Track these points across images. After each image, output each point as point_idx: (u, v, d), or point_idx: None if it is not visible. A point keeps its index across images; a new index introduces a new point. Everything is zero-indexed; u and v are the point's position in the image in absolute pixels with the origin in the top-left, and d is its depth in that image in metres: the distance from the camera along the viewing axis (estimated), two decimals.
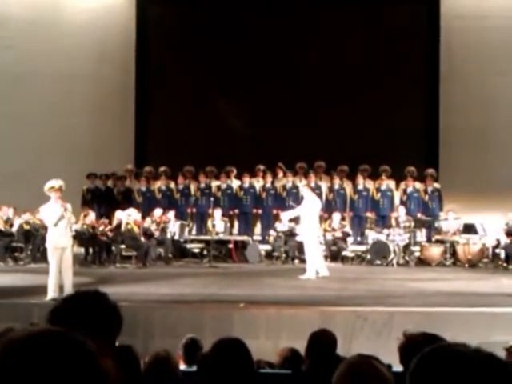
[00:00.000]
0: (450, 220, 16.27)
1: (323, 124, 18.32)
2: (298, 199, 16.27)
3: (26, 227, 15.60)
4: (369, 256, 15.71)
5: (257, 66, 18.66)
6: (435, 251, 15.93)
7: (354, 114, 18.27)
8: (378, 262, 15.47)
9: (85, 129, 18.47)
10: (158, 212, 16.04)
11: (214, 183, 17.64)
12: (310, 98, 18.44)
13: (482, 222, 15.81)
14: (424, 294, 10.75)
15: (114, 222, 15.36)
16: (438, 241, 16.31)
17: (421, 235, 16.28)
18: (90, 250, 15.26)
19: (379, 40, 18.59)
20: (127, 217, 15.22)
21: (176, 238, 16.19)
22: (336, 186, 17.19)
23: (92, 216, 15.39)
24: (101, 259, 15.12)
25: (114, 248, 15.29)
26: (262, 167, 17.64)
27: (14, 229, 15.59)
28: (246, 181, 17.45)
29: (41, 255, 15.29)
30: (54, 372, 1.28)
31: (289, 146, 17.75)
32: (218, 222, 16.33)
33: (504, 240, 15.38)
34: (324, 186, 17.08)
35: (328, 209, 16.53)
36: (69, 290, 9.34)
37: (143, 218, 15.72)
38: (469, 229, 15.72)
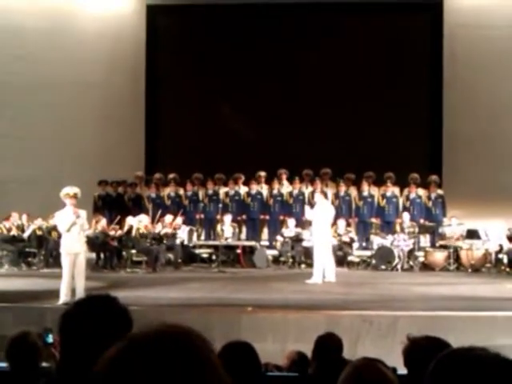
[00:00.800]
0: (454, 226, 16.36)
1: (329, 131, 18.41)
2: (304, 205, 16.46)
3: (39, 233, 15.82)
4: (374, 261, 15.83)
5: (264, 75, 18.77)
6: (439, 256, 16.04)
7: (358, 120, 18.33)
8: (383, 266, 15.58)
9: (96, 136, 18.62)
10: (168, 218, 16.23)
11: (222, 190, 17.81)
12: (315, 105, 18.52)
13: (485, 228, 15.90)
14: (428, 298, 10.83)
15: (125, 228, 15.57)
16: (441, 246, 16.39)
17: (425, 241, 16.38)
18: (102, 255, 15.40)
19: (383, 48, 18.66)
20: (138, 223, 15.43)
21: (185, 243, 16.37)
22: (341, 193, 17.32)
23: (103, 222, 15.56)
24: (112, 264, 15.25)
25: (124, 253, 15.47)
26: (262, 173, 17.75)
27: (27, 234, 15.80)
28: (254, 187, 17.62)
29: (53, 260, 15.50)
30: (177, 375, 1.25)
31: (295, 152, 17.88)
32: (226, 228, 16.51)
33: (507, 245, 15.41)
34: (330, 192, 17.22)
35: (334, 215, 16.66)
36: (80, 294, 9.40)
37: (152, 223, 15.91)
38: (472, 234, 15.81)
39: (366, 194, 17.35)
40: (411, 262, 15.76)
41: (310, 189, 17.31)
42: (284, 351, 6.40)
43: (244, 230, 17.75)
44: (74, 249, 10.15)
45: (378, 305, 9.88)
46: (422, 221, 16.85)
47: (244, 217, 17.63)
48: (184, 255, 16.27)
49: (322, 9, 18.89)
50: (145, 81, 19.45)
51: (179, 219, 16.42)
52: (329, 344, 5.16)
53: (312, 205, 14.26)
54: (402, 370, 3.85)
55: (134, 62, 19.17)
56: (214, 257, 16.38)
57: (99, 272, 14.33)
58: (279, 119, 18.56)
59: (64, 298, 9.80)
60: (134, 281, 13.12)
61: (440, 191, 17.31)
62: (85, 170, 17.05)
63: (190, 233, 16.58)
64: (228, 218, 16.67)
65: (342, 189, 17.30)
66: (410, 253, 15.84)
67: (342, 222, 16.17)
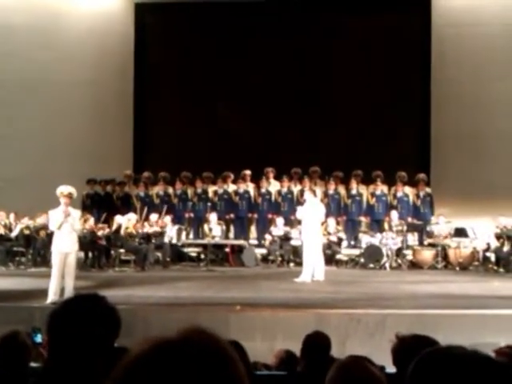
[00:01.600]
0: (442, 224, 16.43)
1: (318, 129, 18.47)
2: (293, 204, 16.50)
3: (26, 232, 15.77)
4: (362, 259, 15.88)
5: (252, 72, 18.79)
6: (427, 255, 16.11)
7: (347, 120, 18.40)
8: (372, 265, 15.63)
9: (84, 135, 18.57)
10: (153, 217, 16.20)
11: (211, 188, 17.81)
12: (304, 104, 18.60)
13: (473, 226, 15.98)
14: (416, 296, 10.84)
15: (114, 227, 15.54)
16: (429, 244, 16.48)
17: (413, 239, 16.43)
18: (90, 254, 15.38)
19: (371, 47, 18.74)
20: (127, 221, 15.42)
21: (174, 242, 16.36)
22: (330, 191, 17.37)
23: (91, 221, 15.54)
24: (100, 263, 15.23)
25: (112, 252, 15.46)
26: (248, 172, 17.74)
27: (15, 233, 15.74)
28: (241, 186, 17.63)
29: (41, 259, 15.50)
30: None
31: (284, 151, 17.94)
32: (214, 226, 16.50)
33: (494, 243, 15.56)
34: (319, 190, 17.24)
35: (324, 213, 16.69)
36: (69, 294, 9.37)
37: (140, 221, 15.88)
38: (460, 233, 15.87)
39: (354, 192, 17.40)
40: (399, 261, 15.82)
41: (299, 187, 17.34)
42: (273, 350, 6.41)
43: (232, 228, 17.75)
44: (63, 248, 10.14)
45: (367, 303, 9.92)
46: (409, 219, 16.91)
47: (232, 215, 17.62)
48: (172, 254, 16.27)
49: (310, 7, 18.88)
50: (133, 79, 19.44)
51: (167, 218, 16.41)
52: (317, 342, 5.16)
53: (301, 203, 14.27)
54: (391, 369, 3.88)
55: (123, 60, 19.15)
56: (202, 256, 16.39)
57: (87, 271, 14.30)
58: (269, 118, 18.59)
59: (52, 296, 9.78)
60: (122, 280, 13.07)
61: (428, 189, 17.38)
62: (73, 169, 16.97)
63: (179, 232, 16.57)
64: (214, 216, 16.64)
65: (331, 187, 17.34)
66: (399, 251, 15.91)
67: (332, 221, 16.20)
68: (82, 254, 14.90)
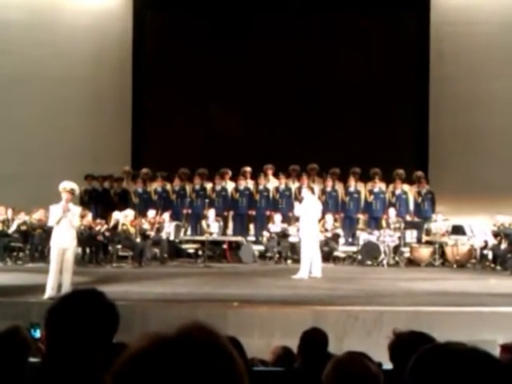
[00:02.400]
0: (439, 221, 16.47)
1: (316, 127, 18.46)
2: (291, 201, 16.52)
3: (24, 227, 15.76)
4: (360, 256, 15.90)
5: (252, 70, 18.78)
6: (424, 252, 16.13)
7: (345, 117, 18.40)
8: (369, 262, 15.65)
9: (82, 131, 18.57)
10: (151, 213, 16.20)
11: (209, 185, 17.83)
12: (302, 102, 18.59)
13: (470, 224, 16.03)
14: (413, 293, 10.86)
15: (111, 223, 15.55)
16: (427, 242, 16.50)
17: (411, 236, 16.45)
18: (87, 250, 15.37)
19: (370, 46, 18.73)
20: (124, 217, 15.42)
21: (171, 238, 16.35)
22: (328, 188, 17.38)
23: (89, 217, 15.53)
24: (97, 259, 15.22)
25: (110, 248, 15.44)
26: (248, 169, 17.76)
27: (12, 229, 15.73)
28: (241, 183, 17.64)
29: (39, 255, 15.51)
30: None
31: (282, 148, 17.92)
32: (212, 223, 16.51)
33: (491, 241, 15.57)
34: (317, 188, 17.25)
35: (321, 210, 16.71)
36: (67, 289, 9.38)
37: (138, 217, 15.89)
38: (457, 230, 15.91)
39: (352, 189, 17.43)
40: (397, 258, 15.85)
41: (297, 184, 17.36)
42: (270, 346, 6.41)
43: (231, 225, 17.76)
44: (61, 243, 10.13)
45: (364, 300, 9.93)
46: (408, 216, 16.94)
47: (231, 212, 17.64)
48: (170, 250, 16.25)
49: (309, 6, 18.86)
50: (131, 75, 19.41)
51: (166, 214, 16.41)
52: (314, 339, 5.18)
53: (299, 200, 14.28)
54: (388, 365, 3.88)
55: (121, 57, 19.12)
56: (200, 252, 16.38)
57: (85, 267, 14.25)
58: (267, 115, 18.57)
59: (50, 292, 9.78)
60: (120, 276, 13.05)
61: (428, 187, 17.40)
62: (71, 165, 16.96)
63: (177, 228, 16.57)
64: (212, 212, 16.65)
65: (329, 184, 17.36)
66: (396, 248, 15.92)
67: (329, 217, 16.22)
68: (79, 250, 14.92)
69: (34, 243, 15.66)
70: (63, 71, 18.37)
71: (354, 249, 16.36)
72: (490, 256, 15.55)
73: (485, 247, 15.77)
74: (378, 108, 18.50)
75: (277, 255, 16.20)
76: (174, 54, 19.24)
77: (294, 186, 17.52)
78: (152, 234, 15.74)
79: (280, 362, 5.56)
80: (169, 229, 16.30)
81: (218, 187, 17.69)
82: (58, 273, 9.99)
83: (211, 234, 16.29)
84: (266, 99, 18.56)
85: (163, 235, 16.05)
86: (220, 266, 15.52)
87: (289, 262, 15.92)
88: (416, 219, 16.97)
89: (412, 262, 15.97)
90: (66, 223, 10.18)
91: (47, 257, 12.14)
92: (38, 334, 5.79)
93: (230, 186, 17.80)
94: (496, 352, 5.56)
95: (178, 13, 19.48)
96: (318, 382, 3.06)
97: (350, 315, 8.83)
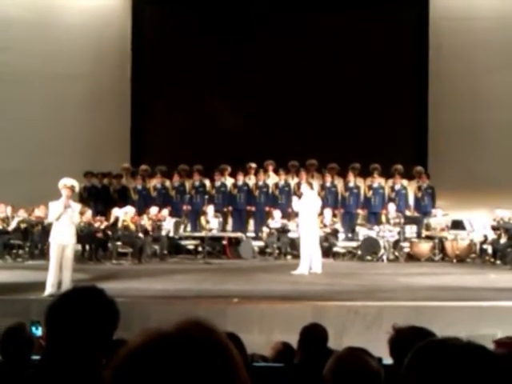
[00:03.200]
0: (439, 216, 16.49)
1: (315, 123, 18.44)
2: (290, 197, 16.52)
3: (23, 225, 15.77)
4: (359, 252, 15.91)
5: (251, 65, 18.76)
6: (424, 247, 16.15)
7: (344, 113, 18.38)
8: (369, 257, 15.67)
9: (81, 128, 18.56)
10: (153, 210, 16.21)
11: (208, 181, 17.83)
12: (301, 97, 18.57)
13: (470, 219, 16.03)
14: (413, 288, 10.87)
15: (111, 220, 15.55)
16: (427, 237, 16.52)
17: (410, 231, 16.47)
18: (87, 247, 15.39)
19: (369, 41, 18.69)
20: (124, 214, 15.42)
21: (171, 234, 16.36)
22: (327, 184, 17.40)
23: (89, 213, 15.52)
24: (97, 256, 15.27)
25: (110, 245, 15.46)
26: (253, 165, 17.81)
27: (12, 227, 15.73)
28: (240, 179, 17.65)
29: (39, 252, 15.52)
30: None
31: (281, 144, 17.92)
32: (211, 219, 16.51)
33: (491, 236, 15.59)
34: (316, 183, 17.26)
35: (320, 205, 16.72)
36: (66, 286, 9.39)
37: (139, 215, 15.90)
38: (457, 225, 15.91)
39: (351, 185, 17.45)
40: (397, 253, 15.86)
41: (296, 180, 17.37)
42: (270, 342, 6.41)
43: (230, 221, 17.78)
44: (61, 240, 10.13)
45: (364, 295, 9.95)
46: (407, 211, 16.95)
47: (230, 208, 17.65)
48: (170, 247, 16.28)
49: (308, 3, 18.84)
50: (131, 72, 19.38)
51: (165, 211, 16.42)
52: (314, 334, 5.17)
53: (299, 196, 14.28)
54: (388, 360, 3.88)
55: (120, 53, 19.11)
56: (199, 248, 16.40)
57: (85, 264, 14.24)
58: (265, 111, 18.57)
59: (50, 289, 9.78)
60: (119, 272, 13.07)
61: (428, 182, 17.41)
62: (70, 162, 16.94)
63: (177, 224, 16.57)
64: (211, 208, 16.65)
65: (328, 180, 17.38)
66: (396, 243, 15.93)
67: (328, 212, 16.23)
68: (79, 247, 14.92)
69: (33, 240, 15.67)
70: (62, 68, 18.35)
71: (354, 244, 16.36)
72: (490, 250, 15.57)
73: (484, 242, 15.80)
74: (377, 103, 18.48)
75: (276, 251, 16.22)
76: (173, 51, 19.22)
77: (293, 181, 17.53)
78: (151, 229, 15.74)
79: (280, 357, 5.54)
80: (168, 225, 16.30)
81: (218, 183, 17.70)
82: (58, 270, 9.98)
83: (211, 230, 16.29)
84: (266, 95, 18.56)
85: (163, 232, 16.06)
86: (220, 262, 15.55)
87: (288, 257, 15.94)
88: (416, 214, 16.98)
89: (412, 257, 15.99)
90: (65, 220, 10.17)
91: (47, 254, 12.12)
92: (39, 331, 5.80)
93: (229, 182, 17.81)
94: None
95: (177, 9, 19.45)
96: (318, 378, 3.06)
97: (350, 310, 8.84)
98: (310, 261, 13.03)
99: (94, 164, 17.55)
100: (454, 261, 15.53)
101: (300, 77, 18.65)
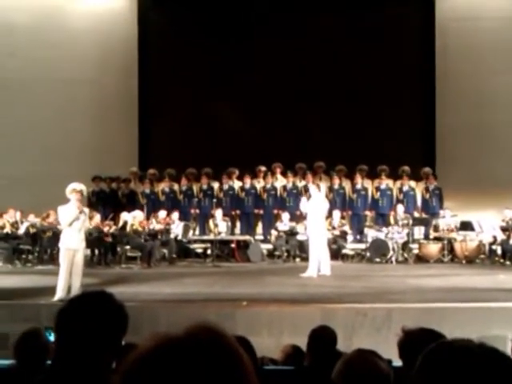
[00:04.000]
0: (447, 217, 16.45)
1: (322, 125, 18.44)
2: (298, 199, 16.51)
3: (33, 230, 15.81)
4: (368, 254, 15.89)
5: (257, 68, 18.77)
6: (433, 248, 16.12)
7: (351, 114, 18.36)
8: (378, 259, 15.65)
9: (89, 133, 18.61)
10: (162, 213, 16.24)
11: (216, 184, 17.86)
12: (308, 99, 18.56)
13: (479, 219, 15.99)
14: (422, 290, 10.86)
15: (120, 224, 15.57)
16: (435, 238, 16.49)
17: (419, 233, 16.44)
18: (96, 251, 15.42)
19: (375, 42, 18.65)
20: (133, 218, 15.45)
21: (179, 238, 16.39)
22: (335, 186, 17.40)
23: (97, 218, 15.55)
24: (106, 260, 15.28)
25: (119, 249, 15.48)
26: (263, 168, 17.84)
27: (21, 231, 15.77)
28: (247, 182, 17.66)
29: (48, 257, 15.56)
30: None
31: (288, 146, 17.95)
32: (219, 223, 16.53)
33: (500, 236, 15.54)
34: (324, 185, 17.24)
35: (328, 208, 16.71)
36: (76, 291, 9.39)
37: (148, 219, 15.94)
38: (466, 226, 15.88)
39: (359, 186, 17.43)
40: (405, 255, 15.83)
41: (304, 182, 17.37)
42: (279, 345, 6.41)
43: (238, 224, 17.79)
44: (72, 245, 10.13)
45: (373, 297, 9.92)
46: (415, 213, 16.93)
47: (238, 211, 17.66)
48: (179, 250, 16.30)
49: (315, 4, 18.85)
50: (137, 76, 19.42)
51: (175, 214, 16.44)
52: (323, 337, 5.16)
53: (307, 197, 14.28)
54: (397, 362, 3.87)
55: (126, 58, 19.14)
56: (208, 251, 16.41)
57: (94, 268, 14.27)
58: (273, 113, 18.57)
59: (60, 293, 9.76)
60: (128, 277, 13.09)
61: (436, 183, 17.38)
62: (78, 167, 16.99)
63: (185, 228, 16.60)
64: (219, 212, 16.68)
65: (336, 182, 17.38)
66: (405, 245, 15.91)
67: (336, 215, 16.22)
68: (88, 252, 14.95)
69: (42, 245, 15.71)
70: (69, 73, 18.40)
71: (363, 246, 16.35)
72: (499, 251, 15.54)
73: (493, 242, 15.76)
74: (384, 105, 18.47)
75: (285, 254, 16.22)
76: (179, 54, 19.25)
77: (300, 184, 17.53)
78: (160, 232, 15.76)
79: (290, 360, 5.54)
80: (177, 229, 16.33)
81: (226, 186, 17.72)
82: (69, 275, 9.98)
83: (219, 233, 16.31)
84: (272, 98, 18.55)
85: (171, 235, 16.08)
86: (228, 265, 15.56)
87: (297, 260, 15.94)
88: (424, 215, 16.95)
89: (421, 259, 15.97)
90: (77, 225, 10.18)
91: (56, 259, 12.15)
92: (52, 337, 5.81)
93: (237, 185, 17.83)
94: (507, 347, 5.54)
95: (182, 12, 19.49)
96: (327, 381, 3.06)
97: (359, 313, 8.83)
98: (319, 263, 13.02)
99: (102, 168, 17.58)
100: (463, 262, 15.50)
101: (307, 79, 18.62)
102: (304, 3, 18.82)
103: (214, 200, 16.85)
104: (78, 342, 2.19)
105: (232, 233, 17.10)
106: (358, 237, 16.99)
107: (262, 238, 17.33)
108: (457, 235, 16.00)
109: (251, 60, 18.86)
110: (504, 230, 15.55)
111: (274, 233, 16.74)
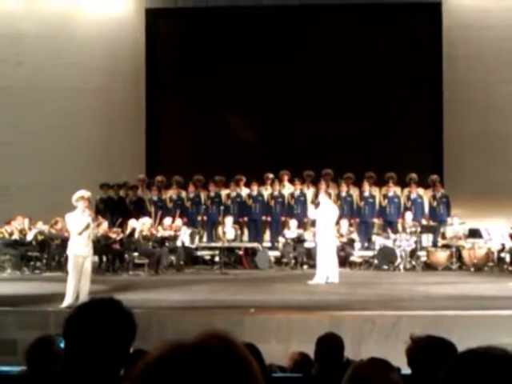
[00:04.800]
0: (455, 225, 16.41)
1: (330, 132, 18.41)
2: (306, 207, 16.53)
3: (41, 237, 15.85)
4: (376, 261, 15.87)
5: (265, 76, 18.78)
6: (441, 256, 16.07)
7: (359, 122, 18.33)
8: (385, 266, 15.63)
9: (97, 140, 18.66)
10: (167, 220, 16.25)
11: (224, 192, 17.87)
12: (316, 107, 18.57)
13: (487, 227, 15.95)
14: (430, 297, 10.84)
15: (127, 231, 15.60)
16: (443, 245, 16.45)
17: (427, 240, 16.41)
18: (104, 259, 15.44)
19: (383, 50, 18.65)
20: (141, 225, 15.47)
21: (187, 245, 16.40)
22: (343, 193, 17.39)
23: (105, 225, 15.57)
24: (114, 267, 15.28)
25: (126, 256, 15.50)
26: (270, 175, 17.85)
27: (29, 238, 15.80)
28: (255, 189, 17.67)
29: (56, 264, 15.59)
30: None
31: (296, 154, 17.95)
32: (228, 230, 16.54)
33: (509, 244, 15.46)
34: (332, 193, 17.23)
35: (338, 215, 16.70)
36: (84, 298, 9.42)
37: (154, 226, 15.95)
38: (474, 233, 15.84)
39: (367, 194, 17.41)
40: (413, 262, 15.80)
41: (312, 189, 17.38)
42: (287, 352, 6.40)
43: (246, 231, 17.79)
44: (82, 252, 10.16)
45: (381, 305, 9.90)
46: (423, 220, 16.90)
47: (246, 219, 17.67)
48: (186, 257, 16.31)
49: (322, 11, 18.90)
50: (145, 84, 19.48)
51: (179, 221, 16.45)
52: (330, 344, 5.14)
53: (316, 205, 14.26)
54: (406, 370, 3.86)
55: (134, 66, 19.21)
56: (216, 259, 16.41)
57: (102, 275, 14.24)
58: (280, 121, 18.57)
59: (69, 300, 9.78)
60: (136, 284, 13.13)
61: (443, 190, 17.36)
62: (86, 174, 17.04)
63: (193, 235, 16.62)
64: (229, 219, 16.74)
65: (344, 189, 17.38)
66: (412, 253, 15.87)
67: (344, 222, 16.20)
68: (96, 259, 14.96)
69: (50, 252, 15.75)
70: (77, 81, 18.48)
71: (370, 253, 16.34)
72: (508, 259, 15.48)
73: (502, 250, 15.71)
74: (392, 113, 18.46)
75: (293, 261, 16.20)
76: (187, 63, 19.29)
77: (308, 191, 17.54)
78: (169, 238, 15.78)
79: (298, 367, 5.53)
80: (184, 236, 16.34)
81: (233, 194, 17.74)
82: (78, 281, 10.00)
83: (228, 240, 16.33)
84: (280, 106, 18.55)
85: (179, 242, 16.09)
86: (236, 272, 15.55)
87: (305, 267, 15.91)
88: (432, 223, 16.92)
89: (429, 266, 15.92)
90: (87, 232, 10.23)
91: (64, 266, 12.18)
92: (63, 344, 5.81)
93: (244, 192, 17.85)
94: None
95: (190, 21, 19.55)
96: None
97: (367, 320, 8.81)
98: (327, 270, 13.00)
99: (110, 176, 17.62)
100: (472, 269, 15.43)
101: (314, 87, 18.63)
102: (311, 14, 18.84)
103: (222, 207, 16.86)
104: (86, 349, 2.19)
105: (240, 240, 17.09)
106: (366, 244, 16.97)
107: (269, 245, 17.33)
108: (465, 243, 15.95)
109: (259, 68, 18.87)
110: None
111: (281, 240, 16.73)
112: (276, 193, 17.69)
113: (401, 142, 18.34)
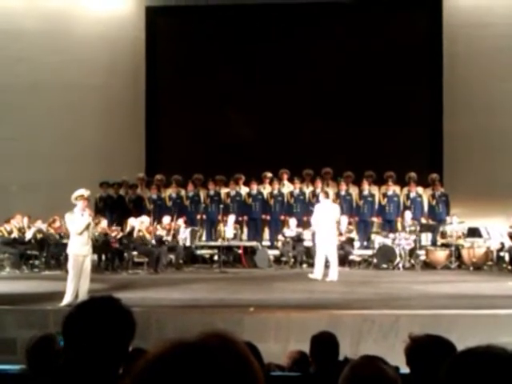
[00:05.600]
0: (455, 224, 16.41)
1: (329, 131, 18.42)
2: (305, 205, 16.53)
3: (40, 235, 15.84)
4: (375, 260, 15.87)
5: (264, 75, 18.80)
6: (440, 255, 16.07)
7: (358, 120, 18.37)
8: (385, 265, 15.63)
9: (96, 139, 18.66)
10: (166, 219, 16.26)
11: (223, 190, 17.87)
12: (316, 105, 18.58)
13: (486, 226, 15.95)
14: (429, 296, 10.85)
15: (127, 229, 15.60)
16: (443, 244, 16.45)
17: (426, 239, 16.41)
18: (103, 257, 15.44)
19: (383, 49, 18.66)
20: (140, 224, 15.47)
21: (187, 244, 16.40)
22: (342, 192, 17.39)
23: (104, 223, 15.58)
24: (113, 266, 15.28)
25: (126, 255, 15.49)
26: (269, 174, 17.84)
27: (28, 237, 15.80)
28: (254, 188, 17.67)
29: (55, 262, 15.59)
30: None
31: (296, 152, 17.95)
32: (229, 228, 16.54)
33: (508, 243, 15.48)
34: (331, 192, 17.24)
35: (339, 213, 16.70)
36: (83, 296, 9.42)
37: (153, 225, 15.93)
38: (473, 232, 15.84)
39: (366, 193, 17.42)
40: (413, 261, 15.80)
41: (311, 188, 17.38)
42: (286, 351, 6.41)
43: (245, 230, 17.79)
44: (82, 251, 10.17)
45: (380, 304, 9.91)
46: (423, 219, 16.89)
47: (245, 217, 17.67)
48: (186, 256, 16.32)
49: (321, 8, 18.89)
50: (145, 82, 19.49)
51: (180, 220, 16.45)
52: (323, 342, 5.17)
53: (313, 205, 14.28)
54: (405, 369, 3.87)
55: (134, 64, 19.21)
56: (215, 257, 16.41)
57: (101, 274, 14.22)
58: (280, 119, 18.57)
59: (69, 298, 9.79)
60: (135, 282, 13.10)
61: (442, 189, 17.36)
62: (85, 172, 17.05)
63: (192, 234, 16.61)
64: (231, 218, 16.74)
65: (343, 188, 17.37)
66: (412, 251, 15.88)
67: (344, 220, 16.19)
68: (95, 257, 14.96)
69: (50, 251, 15.74)
70: (77, 79, 18.48)
71: (370, 252, 16.35)
72: (507, 258, 15.48)
73: (501, 249, 15.71)
74: (392, 111, 18.45)
75: (292, 260, 16.21)
76: (187, 61, 19.29)
77: (308, 190, 17.54)
78: (168, 238, 15.77)
79: (296, 366, 5.54)
80: (184, 234, 16.34)
81: (233, 192, 17.73)
82: (78, 280, 10.00)
83: (227, 239, 16.33)
84: (280, 104, 18.54)
85: (179, 241, 16.09)
86: (235, 271, 15.56)
87: (304, 266, 15.93)
88: (431, 222, 16.92)
89: (428, 265, 15.93)
90: (86, 231, 10.23)
91: (63, 264, 12.18)
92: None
93: (244, 191, 17.85)
94: None
95: (190, 19, 19.55)
96: None
97: (366, 319, 8.81)
98: (323, 268, 13.06)
99: (109, 174, 17.61)
100: (471, 269, 15.44)
101: (314, 86, 18.63)
102: (313, 12, 18.83)
103: (221, 206, 16.87)
104: (86, 347, 2.20)
105: (239, 239, 17.09)
106: (365, 243, 16.97)
107: (268, 243, 17.34)
108: (464, 242, 15.96)
109: (259, 66, 18.89)
110: (511, 236, 15.50)
111: (280, 239, 16.74)
112: (275, 191, 17.69)
113: (400, 140, 18.33)
